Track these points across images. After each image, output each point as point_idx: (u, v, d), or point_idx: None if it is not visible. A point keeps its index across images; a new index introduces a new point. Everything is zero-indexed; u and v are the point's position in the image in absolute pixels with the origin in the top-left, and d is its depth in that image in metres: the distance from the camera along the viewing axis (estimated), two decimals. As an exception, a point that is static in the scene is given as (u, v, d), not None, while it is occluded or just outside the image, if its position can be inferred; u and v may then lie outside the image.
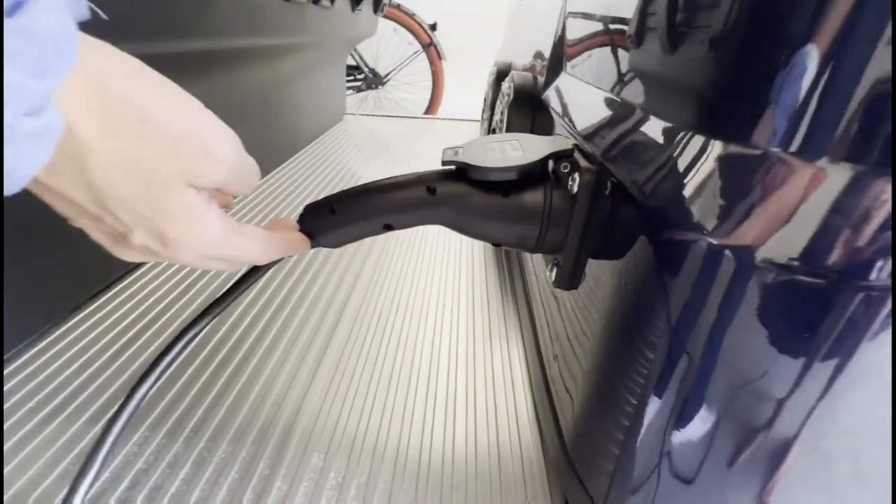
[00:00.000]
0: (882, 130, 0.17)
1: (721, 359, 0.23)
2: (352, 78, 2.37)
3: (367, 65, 2.39)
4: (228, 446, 0.38)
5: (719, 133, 0.21)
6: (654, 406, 0.26)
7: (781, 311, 0.20)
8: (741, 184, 0.20)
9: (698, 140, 0.22)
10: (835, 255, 0.18)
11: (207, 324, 0.31)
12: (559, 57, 0.53)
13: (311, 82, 1.16)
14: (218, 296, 0.31)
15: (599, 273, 0.32)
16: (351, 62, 2.33)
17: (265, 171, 0.96)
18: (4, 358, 0.45)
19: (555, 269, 0.33)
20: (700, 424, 0.24)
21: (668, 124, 0.25)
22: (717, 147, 0.21)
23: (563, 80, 0.50)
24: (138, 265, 0.61)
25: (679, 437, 0.25)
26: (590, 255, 0.31)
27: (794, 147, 0.19)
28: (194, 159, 0.20)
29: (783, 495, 0.24)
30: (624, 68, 0.33)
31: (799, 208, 0.19)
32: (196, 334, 0.31)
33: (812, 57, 0.18)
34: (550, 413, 0.37)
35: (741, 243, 0.20)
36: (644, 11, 0.30)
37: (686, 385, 0.24)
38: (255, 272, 0.31)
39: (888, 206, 0.18)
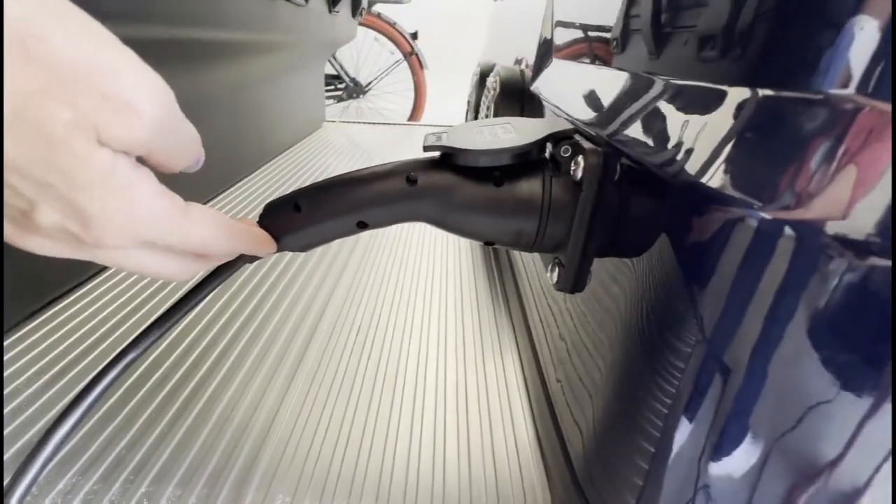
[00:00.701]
0: None
1: (774, 373, 0.18)
2: (332, 87, 2.34)
3: (347, 74, 2.36)
4: (176, 490, 0.32)
5: (771, 79, 0.17)
6: (686, 431, 0.21)
7: (860, 308, 0.16)
8: (803, 141, 0.16)
9: (740, 93, 0.18)
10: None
11: (148, 347, 0.26)
12: (548, 44, 0.50)
13: (287, 86, 1.11)
14: (160, 313, 0.26)
15: (611, 272, 0.27)
16: (331, 71, 2.30)
17: (233, 177, 0.90)
18: None
19: (556, 270, 0.29)
20: (746, 455, 0.20)
21: (698, 82, 0.20)
22: (766, 98, 0.17)
23: (554, 67, 0.46)
24: (94, 273, 0.54)
25: (719, 469, 0.21)
26: (598, 251, 0.27)
27: (871, 87, 0.14)
28: (104, 107, 0.14)
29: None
30: (630, 32, 0.29)
31: (882, 167, 0.15)
32: (133, 359, 0.25)
33: None
34: (556, 438, 0.32)
35: (806, 217, 0.16)
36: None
37: (728, 405, 0.19)
38: (207, 282, 0.26)
39: None
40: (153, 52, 0.63)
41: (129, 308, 0.50)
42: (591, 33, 0.38)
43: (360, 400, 0.40)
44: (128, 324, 0.48)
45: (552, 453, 0.33)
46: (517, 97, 0.55)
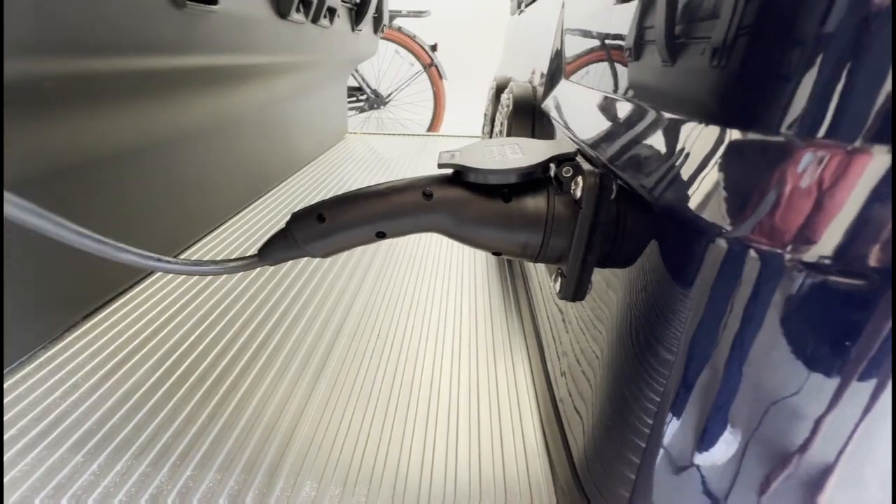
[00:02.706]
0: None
1: (747, 372, 0.20)
2: (354, 99, 2.41)
3: (369, 86, 2.42)
4: (216, 475, 0.35)
5: (736, 121, 0.19)
6: (673, 427, 0.23)
7: (815, 317, 0.18)
8: (764, 175, 0.18)
9: (713, 130, 0.20)
10: (876, 251, 0.16)
11: None
12: (558, 65, 0.53)
13: (312, 101, 1.17)
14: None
15: (608, 283, 0.30)
16: (353, 83, 2.37)
17: (263, 188, 0.95)
18: (-13, 383, 0.43)
19: (559, 280, 0.31)
20: (726, 446, 0.22)
21: (678, 117, 0.23)
22: (734, 136, 0.19)
23: (562, 87, 0.49)
24: (130, 287, 0.59)
25: (702, 460, 0.23)
26: (596, 263, 0.29)
27: (822, 131, 0.17)
28: None
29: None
30: (628, 65, 0.32)
31: (830, 199, 0.17)
32: None
33: (841, 19, 0.16)
34: (559, 436, 0.35)
35: (766, 241, 0.18)
36: (634, 17, 0.29)
37: (709, 403, 0.22)
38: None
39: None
40: (192, 79, 0.69)
41: (176, 308, 0.55)
42: (594, 59, 0.40)
43: (379, 398, 0.43)
44: (168, 327, 0.52)
45: (556, 451, 0.35)
46: (529, 114, 0.58)
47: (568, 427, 0.34)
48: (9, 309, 0.43)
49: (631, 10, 0.31)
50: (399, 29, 2.23)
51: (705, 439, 0.22)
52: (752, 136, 0.19)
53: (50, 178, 0.46)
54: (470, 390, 0.45)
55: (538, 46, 0.66)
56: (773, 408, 0.20)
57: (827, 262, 0.17)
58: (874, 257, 0.16)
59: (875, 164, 0.16)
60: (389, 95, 2.46)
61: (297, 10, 0.77)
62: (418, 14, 2.25)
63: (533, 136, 0.58)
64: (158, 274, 0.62)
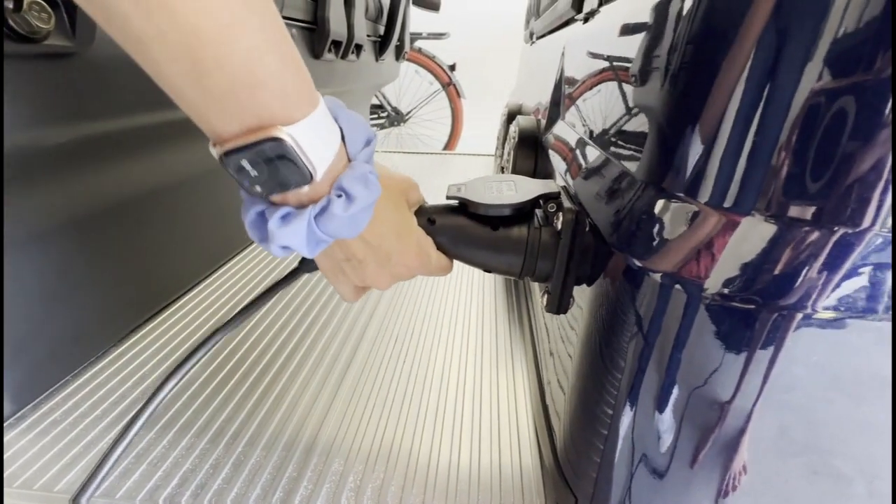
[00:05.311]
0: (791, 194, 0.22)
1: (672, 376, 0.27)
2: (375, 116, 2.52)
3: (390, 104, 2.54)
4: (262, 452, 0.43)
5: (667, 189, 0.26)
6: (627, 417, 0.30)
7: (719, 329, 0.24)
8: (683, 229, 0.25)
9: (652, 192, 0.27)
10: (755, 286, 0.23)
11: (223, 336, 0.37)
12: (557, 105, 0.60)
13: (338, 125, 1.26)
14: (234, 314, 0.37)
15: (580, 300, 0.36)
16: (375, 101, 2.49)
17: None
18: (74, 373, 0.52)
19: (546, 296, 0.38)
20: (665, 432, 0.28)
21: (630, 176, 0.30)
22: (665, 200, 0.26)
23: (558, 127, 0.56)
24: (185, 292, 0.68)
25: (647, 443, 0.29)
26: (574, 282, 0.36)
27: (727, 203, 0.23)
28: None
29: (739, 487, 0.27)
30: (596, 124, 0.38)
31: (726, 250, 0.24)
32: (217, 341, 0.37)
33: (737, 137, 0.23)
34: (546, 429, 0.41)
35: (685, 277, 0.25)
36: (605, 81, 0.36)
37: (649, 396, 0.28)
38: (270, 291, 0.37)
39: (793, 249, 0.22)
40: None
41: (229, 306, 0.64)
42: (580, 107, 0.47)
43: (395, 394, 0.51)
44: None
45: (543, 439, 0.42)
46: (532, 147, 0.65)
47: (554, 422, 0.40)
48: (85, 314, 0.52)
49: (603, 71, 0.38)
50: (419, 50, 2.34)
51: (651, 428, 0.29)
52: (675, 202, 0.25)
53: (95, 217, 0.55)
54: (474, 390, 0.52)
55: (544, 82, 0.74)
56: (691, 398, 0.26)
57: (723, 291, 0.24)
58: (752, 289, 0.23)
59: (756, 229, 0.23)
60: (409, 113, 2.57)
61: (329, 51, 0.86)
62: (438, 36, 2.35)
63: (535, 166, 0.65)
64: (209, 282, 0.71)
